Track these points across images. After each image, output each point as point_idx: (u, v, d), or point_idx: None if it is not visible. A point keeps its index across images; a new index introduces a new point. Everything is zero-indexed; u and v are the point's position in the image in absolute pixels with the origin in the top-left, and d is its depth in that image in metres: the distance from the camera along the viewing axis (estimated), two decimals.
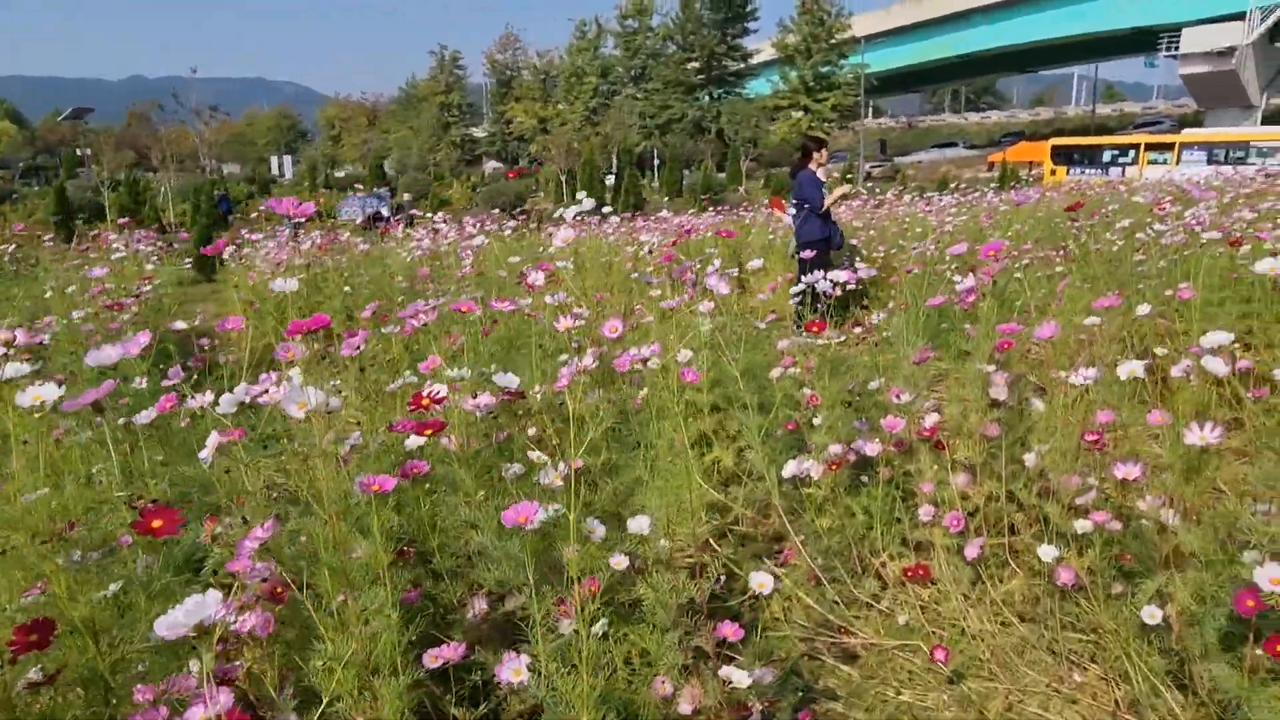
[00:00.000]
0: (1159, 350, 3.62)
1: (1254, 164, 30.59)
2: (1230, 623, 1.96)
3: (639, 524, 1.94)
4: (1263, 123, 42.53)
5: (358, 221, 17.17)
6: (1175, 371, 1.99)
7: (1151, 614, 2.03)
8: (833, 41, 46.80)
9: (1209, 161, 33.12)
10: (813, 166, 6.67)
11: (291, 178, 61.17)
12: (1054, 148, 39.32)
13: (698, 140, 45.71)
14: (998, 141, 59.24)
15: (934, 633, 2.49)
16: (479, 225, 7.41)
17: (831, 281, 3.37)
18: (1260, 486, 1.84)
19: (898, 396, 2.68)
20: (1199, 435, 1.87)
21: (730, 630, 1.64)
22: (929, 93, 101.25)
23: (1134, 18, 48.37)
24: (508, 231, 9.53)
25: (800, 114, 46.42)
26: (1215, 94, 45.67)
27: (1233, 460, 3.12)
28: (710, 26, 48.90)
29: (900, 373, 2.67)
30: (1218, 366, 1.83)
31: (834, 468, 2.50)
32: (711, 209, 15.59)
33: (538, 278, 3.03)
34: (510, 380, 1.76)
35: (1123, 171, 34.76)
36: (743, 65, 52.84)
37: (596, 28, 58.90)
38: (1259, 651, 1.83)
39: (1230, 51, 43.10)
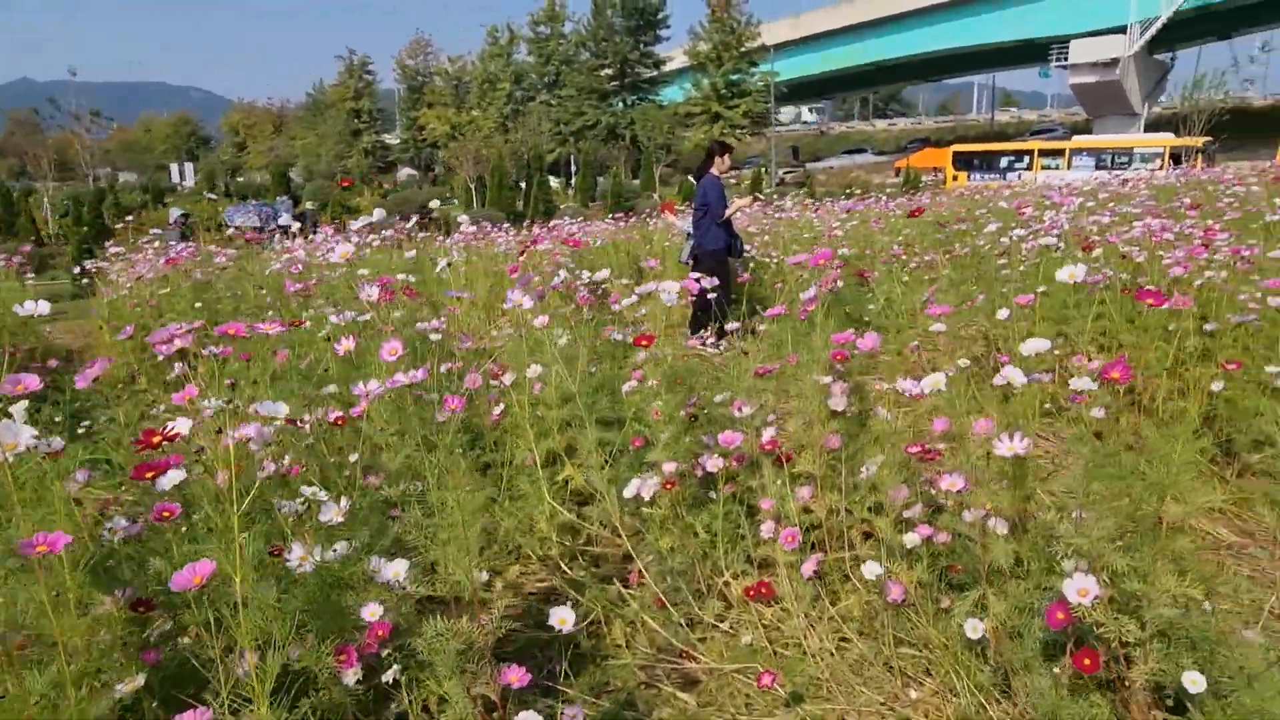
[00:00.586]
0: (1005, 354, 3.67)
1: (1137, 169, 32.39)
2: (1049, 634, 1.94)
3: (444, 554, 1.80)
4: (1145, 130, 44.99)
5: (252, 231, 16.45)
6: (997, 380, 1.96)
7: (974, 627, 2.00)
8: (743, 50, 47.50)
9: (1097, 167, 34.85)
10: (715, 171, 6.61)
11: (192, 186, 58.69)
12: (955, 154, 40.78)
13: (612, 147, 45.77)
14: (904, 147, 61.11)
15: (777, 653, 2.42)
16: (365, 235, 7.13)
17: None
18: (1063, 496, 1.82)
19: (739, 410, 2.61)
20: (1008, 446, 1.84)
21: (515, 676, 1.51)
22: (839, 100, 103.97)
23: (1027, 30, 50.57)
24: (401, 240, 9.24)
25: (713, 121, 46.96)
26: (1102, 103, 48.11)
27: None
28: (623, 34, 49.05)
29: (741, 385, 2.60)
30: (1016, 376, 1.80)
31: (669, 486, 2.40)
32: (622, 216, 15.54)
33: (371, 293, 2.87)
34: (276, 409, 1.60)
35: (1019, 176, 36.27)
36: (656, 72, 53.18)
37: (509, 34, 58.45)
38: (1070, 664, 1.81)
39: (1114, 63, 45.47)
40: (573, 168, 48.46)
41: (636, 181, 38.75)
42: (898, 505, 2.14)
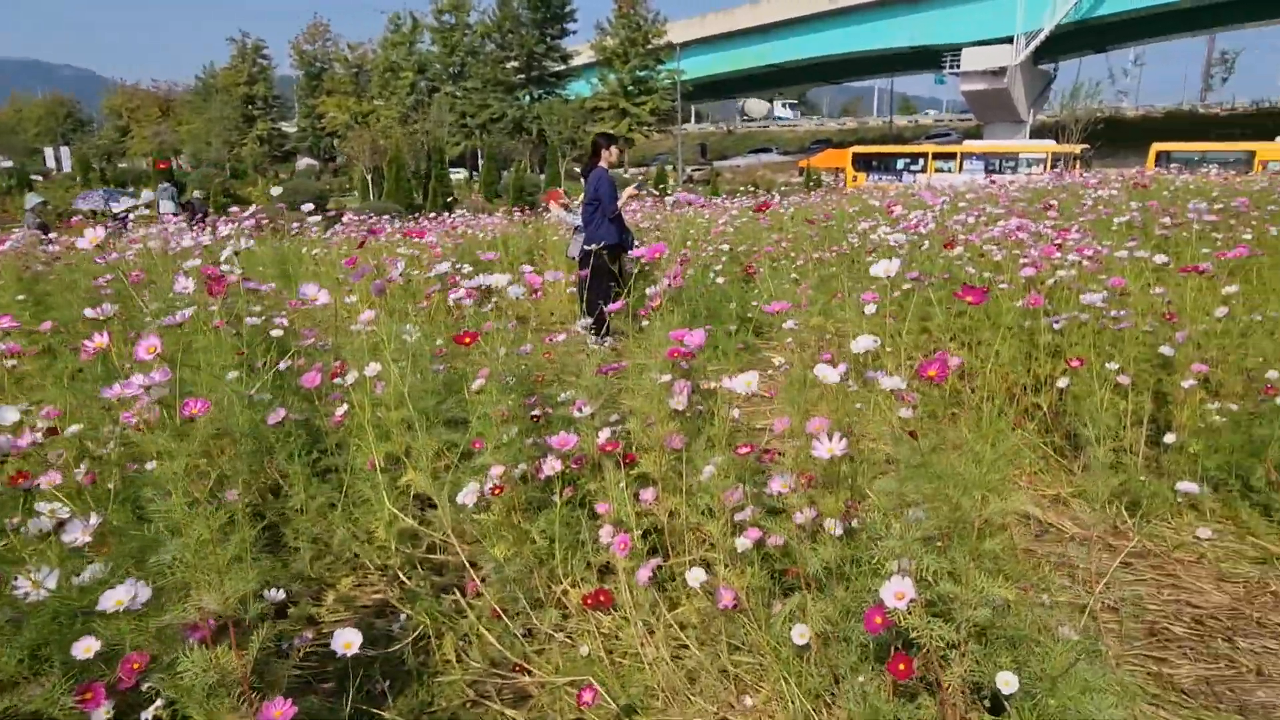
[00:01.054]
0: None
1: (1023, 172, 34.01)
2: (874, 638, 1.90)
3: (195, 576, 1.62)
4: (1031, 136, 47.30)
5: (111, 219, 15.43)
6: (817, 373, 1.89)
7: (800, 633, 1.94)
8: (649, 46, 47.62)
9: (986, 170, 36.43)
10: (604, 164, 6.50)
11: (68, 171, 54.96)
12: (855, 155, 41.97)
13: (518, 140, 45.09)
14: (808, 148, 62.57)
15: (615, 662, 2.33)
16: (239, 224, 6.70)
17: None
18: (882, 496, 1.77)
19: (579, 410, 2.50)
20: (826, 447, 1.78)
21: (279, 711, 1.36)
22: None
23: (922, 37, 52.48)
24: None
25: (620, 117, 46.94)
26: (991, 109, 50.40)
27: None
28: (529, 26, 48.43)
29: (582, 383, 2.49)
30: (829, 374, 1.75)
31: (497, 492, 2.27)
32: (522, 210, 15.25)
33: (187, 285, 2.63)
34: (4, 415, 1.39)
35: (915, 178, 37.60)
36: (564, 67, 52.77)
37: (412, 21, 56.95)
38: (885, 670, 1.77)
39: (1002, 71, 47.69)
40: (481, 161, 47.65)
41: (543, 176, 38.40)
42: (729, 508, 2.06)
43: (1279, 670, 2.34)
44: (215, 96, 65.27)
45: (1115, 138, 48.08)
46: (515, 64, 50.46)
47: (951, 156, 39.05)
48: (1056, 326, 3.57)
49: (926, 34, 52.16)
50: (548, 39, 49.77)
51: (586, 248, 6.58)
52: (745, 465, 2.15)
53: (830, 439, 1.76)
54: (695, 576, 1.92)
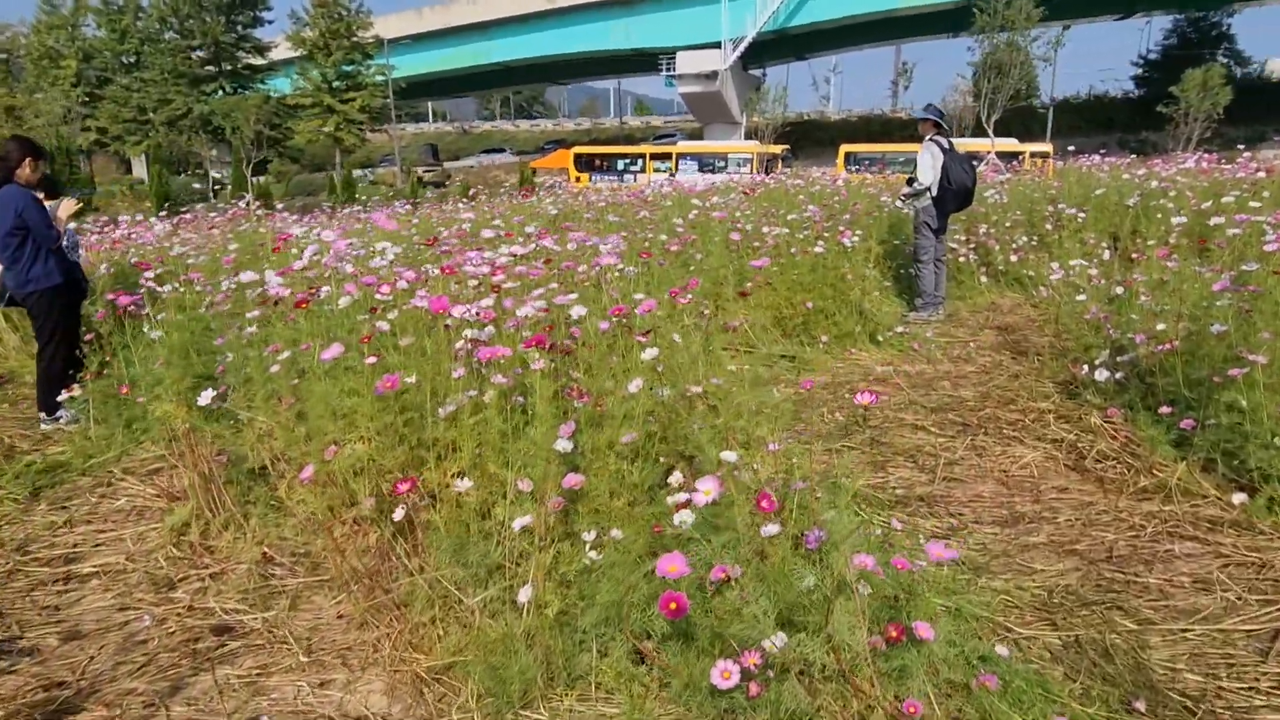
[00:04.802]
0: None
1: (731, 172, 35.24)
2: None
3: None
4: (746, 137, 49.65)
5: None
6: None
7: None
8: (354, 39, 44.13)
9: (700, 169, 37.44)
10: (20, 181, 4.61)
11: None
12: (576, 155, 41.56)
13: (197, 138, 39.46)
14: (542, 148, 61.82)
15: None
16: None
17: None
18: None
19: None
20: None
21: None
22: (484, 100, 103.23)
23: (638, 40, 53.40)
24: None
25: (327, 115, 43.12)
26: (708, 111, 52.35)
27: None
28: (212, 11, 42.94)
29: None
30: None
31: None
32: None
33: None
34: None
35: (634, 178, 37.83)
36: (263, 60, 47.68)
37: (72, 2, 48.98)
38: None
39: (714, 75, 49.57)
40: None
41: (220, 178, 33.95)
42: None
43: None
44: None
45: (821, 139, 51.95)
46: (202, 54, 44.70)
47: (668, 157, 39.76)
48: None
49: (642, 37, 53.15)
50: (237, 27, 44.51)
51: (20, 292, 4.68)
52: None
53: None
54: None
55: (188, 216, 10.09)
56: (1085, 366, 4.41)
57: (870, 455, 4.01)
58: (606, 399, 2.53)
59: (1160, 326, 3.89)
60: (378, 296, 2.82)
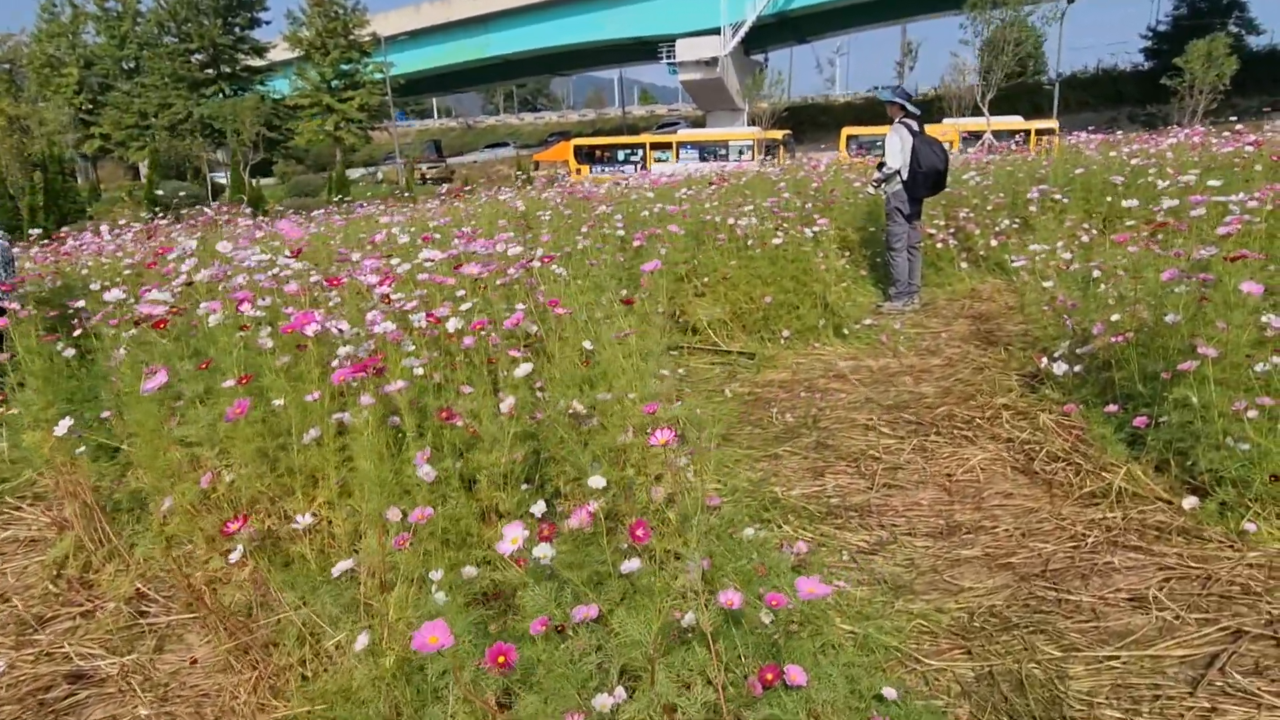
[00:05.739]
0: None
1: (733, 160, 34.85)
2: None
3: None
4: (749, 124, 49.16)
5: None
6: None
7: None
8: (351, 38, 43.91)
9: (701, 158, 37.03)
10: None
11: None
12: (576, 148, 41.23)
13: (194, 141, 39.29)
14: (547, 141, 61.51)
15: None
16: None
17: None
18: None
19: None
20: None
21: None
22: (489, 94, 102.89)
23: (637, 29, 52.94)
24: None
25: (326, 114, 42.96)
26: (710, 98, 51.83)
27: None
28: (209, 14, 42.83)
29: None
30: None
31: None
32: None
33: None
34: None
35: (635, 168, 37.53)
36: (262, 62, 47.59)
37: (71, 9, 49.09)
38: None
39: (714, 61, 49.02)
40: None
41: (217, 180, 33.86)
42: None
43: None
44: None
45: (825, 123, 51.31)
46: (200, 58, 44.64)
47: (669, 146, 39.38)
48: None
49: (641, 25, 52.68)
50: (235, 30, 44.39)
51: None
52: None
53: None
54: None
55: (159, 223, 9.96)
56: (1045, 359, 4.18)
57: (812, 461, 3.80)
58: (480, 421, 2.34)
59: (1115, 317, 3.65)
60: (248, 313, 2.64)
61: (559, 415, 2.44)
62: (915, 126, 6.52)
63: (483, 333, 2.64)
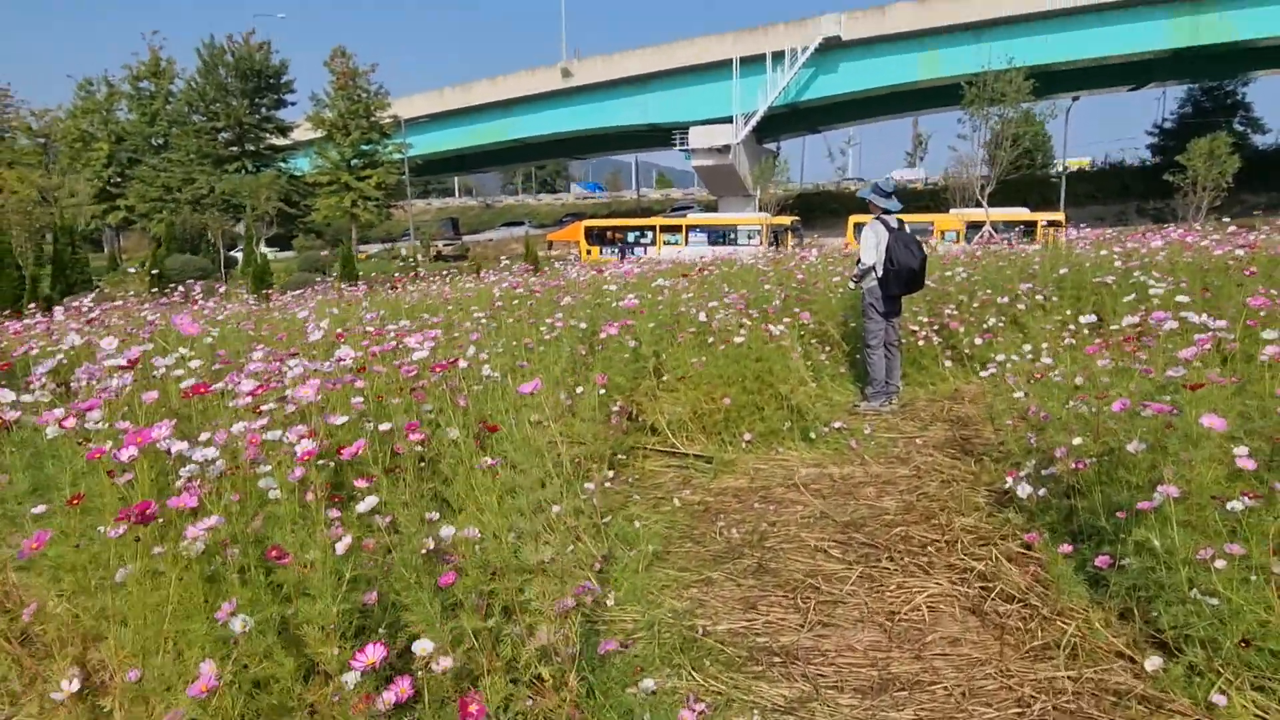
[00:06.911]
0: None
1: (742, 244, 35.06)
2: None
3: None
4: (759, 209, 49.80)
5: None
6: None
7: None
8: (373, 119, 45.22)
9: (710, 242, 37.35)
10: None
11: None
12: (587, 229, 41.79)
13: (212, 215, 39.92)
14: (561, 221, 62.62)
15: None
16: None
17: None
18: None
19: None
20: None
21: None
22: (509, 175, 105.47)
23: (651, 116, 54.30)
24: None
25: (344, 191, 43.83)
26: (721, 184, 52.71)
27: None
28: (237, 95, 44.35)
29: None
30: None
31: None
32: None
33: None
34: None
35: (645, 250, 37.89)
36: (286, 140, 49.00)
37: (106, 88, 50.96)
38: None
39: (727, 149, 50.03)
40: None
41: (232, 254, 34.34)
42: None
43: None
44: None
45: (836, 210, 51.87)
46: (227, 135, 46.01)
47: (679, 229, 39.83)
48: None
49: (655, 113, 54.03)
50: (261, 109, 45.88)
51: None
52: None
53: None
54: None
55: (117, 304, 9.57)
56: (1012, 477, 3.85)
57: (746, 589, 3.45)
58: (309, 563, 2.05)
59: (1077, 440, 3.34)
60: (86, 426, 2.39)
61: (410, 555, 2.14)
62: (893, 223, 6.35)
63: (346, 455, 2.37)
